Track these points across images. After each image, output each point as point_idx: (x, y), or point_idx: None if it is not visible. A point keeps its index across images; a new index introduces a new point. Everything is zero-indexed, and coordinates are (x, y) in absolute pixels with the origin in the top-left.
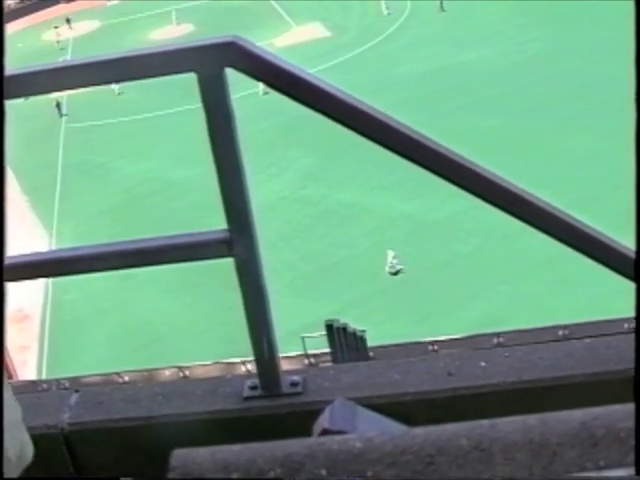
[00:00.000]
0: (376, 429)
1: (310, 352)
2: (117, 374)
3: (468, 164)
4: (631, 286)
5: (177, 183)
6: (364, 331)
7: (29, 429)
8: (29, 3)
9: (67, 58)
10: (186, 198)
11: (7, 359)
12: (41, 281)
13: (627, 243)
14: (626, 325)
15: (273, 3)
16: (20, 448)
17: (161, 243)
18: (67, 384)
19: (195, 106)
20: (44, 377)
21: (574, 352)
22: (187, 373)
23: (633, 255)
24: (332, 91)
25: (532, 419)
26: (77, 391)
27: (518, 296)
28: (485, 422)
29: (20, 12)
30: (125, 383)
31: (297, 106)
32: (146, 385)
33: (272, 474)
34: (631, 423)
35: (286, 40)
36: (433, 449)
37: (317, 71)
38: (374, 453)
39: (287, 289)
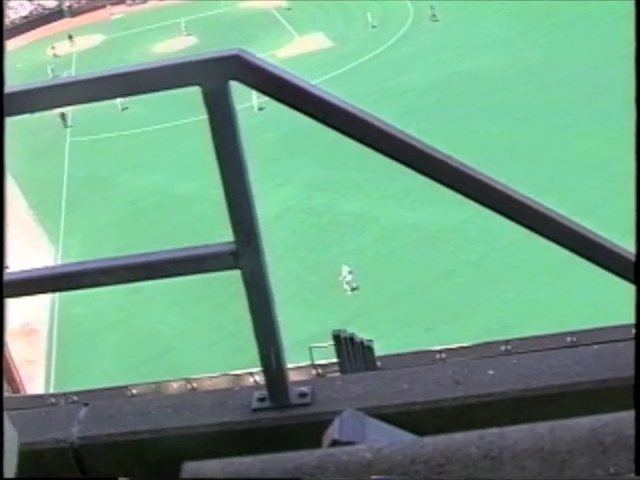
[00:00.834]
0: (385, 439)
1: (318, 362)
2: (126, 387)
3: (472, 172)
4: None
5: (182, 196)
6: (371, 341)
7: (38, 443)
8: (33, 18)
9: (71, 73)
10: (191, 211)
11: (14, 373)
12: (47, 295)
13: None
14: (634, 331)
15: (275, 14)
16: None
17: (168, 256)
18: (75, 398)
19: (200, 118)
20: (52, 391)
21: (582, 359)
22: (195, 385)
23: (633, 258)
24: (336, 102)
25: (541, 427)
26: (86, 405)
27: (525, 303)
28: (494, 430)
29: (24, 27)
30: (134, 396)
31: (292, 120)
32: (155, 398)
33: None
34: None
35: (289, 51)
36: (443, 458)
37: (320, 82)
38: (384, 463)
39: (293, 300)
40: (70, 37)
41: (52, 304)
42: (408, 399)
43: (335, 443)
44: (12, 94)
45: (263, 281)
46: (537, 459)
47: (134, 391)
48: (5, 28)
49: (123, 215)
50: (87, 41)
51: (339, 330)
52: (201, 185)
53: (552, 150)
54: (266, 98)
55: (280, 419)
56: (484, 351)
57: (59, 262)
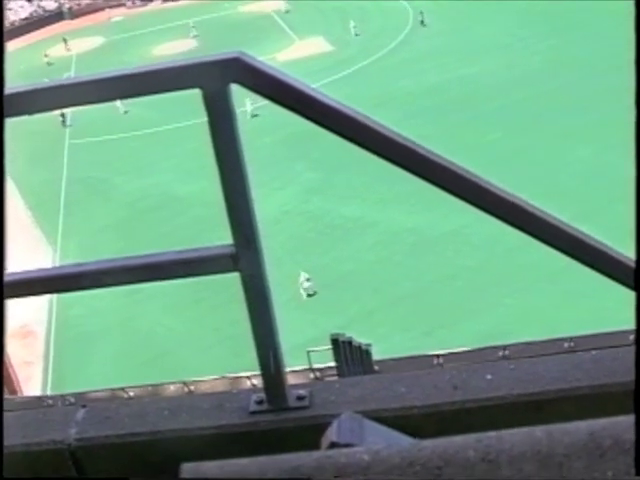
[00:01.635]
0: (383, 442)
1: (316, 366)
2: (123, 389)
3: (472, 177)
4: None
5: (181, 198)
6: (369, 345)
7: (35, 445)
8: (33, 20)
9: (70, 75)
10: (190, 213)
11: (12, 375)
12: (45, 297)
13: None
14: (632, 337)
15: (275, 17)
16: None
17: (166, 258)
18: (73, 399)
19: (199, 121)
20: (49, 393)
21: (580, 364)
22: (192, 388)
23: (633, 264)
24: (336, 106)
25: (539, 431)
26: (84, 406)
27: (523, 309)
28: (492, 434)
29: (24, 29)
30: (131, 398)
31: (289, 125)
32: (152, 400)
33: None
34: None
35: (289, 54)
36: (440, 461)
37: (320, 85)
38: (382, 465)
39: (291, 303)
40: (65, 40)
41: (50, 305)
42: (406, 403)
43: (333, 445)
44: (12, 95)
45: (262, 284)
46: (534, 462)
47: (131, 393)
48: (5, 30)
49: (121, 217)
50: (87, 43)
51: (337, 334)
52: (200, 187)
53: (551, 156)
54: (259, 104)
55: (278, 422)
56: (482, 356)
57: (57, 264)
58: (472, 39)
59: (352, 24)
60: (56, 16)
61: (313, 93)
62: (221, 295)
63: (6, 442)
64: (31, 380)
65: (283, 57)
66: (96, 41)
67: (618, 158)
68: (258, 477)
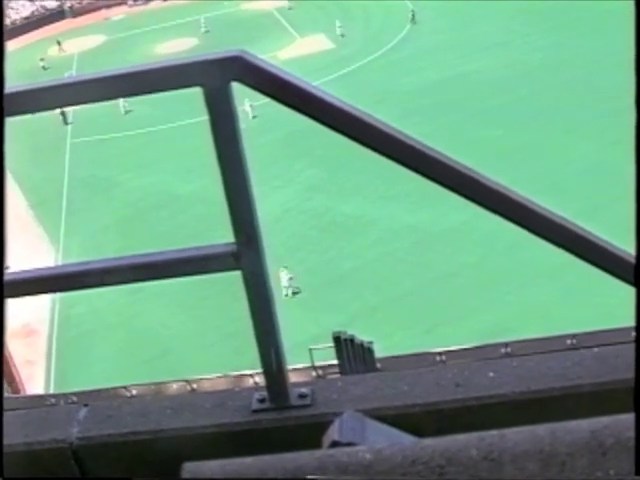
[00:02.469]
0: (385, 441)
1: (318, 364)
2: (125, 388)
3: (472, 174)
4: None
5: (183, 196)
6: (371, 342)
7: (38, 444)
8: (34, 19)
9: (72, 73)
10: (192, 211)
11: (14, 374)
12: (47, 296)
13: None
14: (634, 333)
15: (277, 15)
16: None
17: (168, 257)
18: (75, 398)
19: (200, 119)
20: (52, 391)
21: (582, 361)
22: (195, 386)
23: (633, 260)
24: (337, 104)
25: (541, 429)
26: (86, 405)
27: (525, 306)
28: (494, 432)
29: (25, 28)
30: (133, 397)
31: (292, 123)
32: (154, 399)
33: None
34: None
35: (290, 52)
36: (443, 459)
37: (321, 83)
38: (384, 464)
39: (293, 301)
40: (59, 43)
41: (52, 304)
42: (408, 401)
43: (335, 444)
44: (12, 94)
45: (264, 282)
46: (537, 461)
47: (134, 392)
48: (5, 29)
49: (123, 215)
50: (88, 42)
51: (339, 332)
52: (202, 186)
53: (553, 153)
54: (259, 102)
55: (280, 420)
56: (484, 353)
57: (59, 263)
58: (473, 36)
59: (337, 23)
60: (57, 15)
61: (314, 91)
62: (223, 293)
63: (8, 441)
64: (33, 379)
65: (285, 55)
66: (98, 39)
67: (620, 154)
68: (260, 476)
